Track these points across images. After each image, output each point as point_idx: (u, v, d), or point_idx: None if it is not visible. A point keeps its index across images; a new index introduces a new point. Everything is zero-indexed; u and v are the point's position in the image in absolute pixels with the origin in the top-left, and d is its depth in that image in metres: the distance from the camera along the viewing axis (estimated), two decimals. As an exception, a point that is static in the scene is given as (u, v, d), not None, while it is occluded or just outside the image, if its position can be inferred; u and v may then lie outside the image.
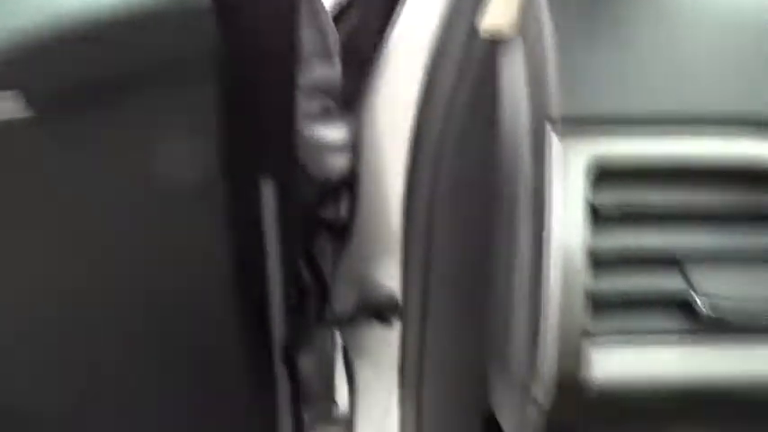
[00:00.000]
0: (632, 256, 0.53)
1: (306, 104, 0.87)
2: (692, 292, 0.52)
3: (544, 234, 0.52)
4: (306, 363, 1.05)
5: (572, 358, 0.51)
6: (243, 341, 0.77)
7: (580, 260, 0.51)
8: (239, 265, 0.75)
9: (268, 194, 0.76)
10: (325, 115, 0.87)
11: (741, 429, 0.57)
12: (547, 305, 0.51)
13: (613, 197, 0.52)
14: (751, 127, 0.52)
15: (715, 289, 0.52)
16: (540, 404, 0.53)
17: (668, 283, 0.53)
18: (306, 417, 1.06)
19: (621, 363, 0.52)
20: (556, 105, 0.52)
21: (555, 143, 0.51)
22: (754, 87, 0.53)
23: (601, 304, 0.52)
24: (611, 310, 0.53)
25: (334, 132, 0.87)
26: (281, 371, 0.86)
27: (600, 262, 0.52)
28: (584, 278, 0.51)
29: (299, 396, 0.94)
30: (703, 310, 0.52)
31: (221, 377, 0.77)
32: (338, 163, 0.87)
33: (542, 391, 0.52)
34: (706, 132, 0.53)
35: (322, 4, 0.90)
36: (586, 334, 0.52)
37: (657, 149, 0.52)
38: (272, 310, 0.82)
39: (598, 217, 0.52)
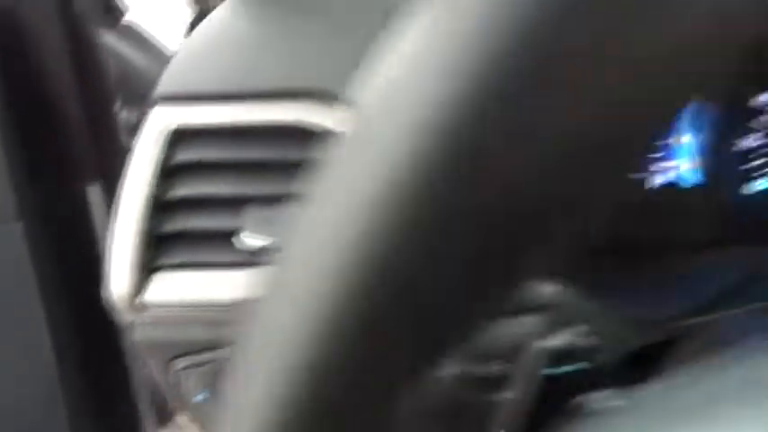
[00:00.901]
0: (194, 201, 0.64)
1: None
2: (238, 231, 0.63)
3: (121, 184, 0.64)
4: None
5: (132, 287, 0.63)
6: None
7: (144, 206, 0.63)
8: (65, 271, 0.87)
9: (96, 199, 0.89)
10: None
11: None
12: (112, 244, 0.63)
13: (185, 154, 0.64)
14: (303, 97, 0.63)
15: (254, 228, 0.62)
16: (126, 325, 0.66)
17: (222, 222, 0.64)
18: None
19: (171, 287, 0.64)
20: (160, 87, 0.65)
21: (149, 113, 0.64)
22: (327, 66, 0.63)
23: (165, 241, 0.64)
24: (175, 245, 0.64)
25: None
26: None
27: (166, 207, 0.64)
28: (146, 221, 0.63)
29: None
30: (241, 244, 0.63)
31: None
32: None
33: (117, 314, 0.65)
34: (263, 102, 0.64)
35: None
36: (147, 266, 0.64)
37: (221, 115, 0.64)
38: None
39: (167, 170, 0.64)
